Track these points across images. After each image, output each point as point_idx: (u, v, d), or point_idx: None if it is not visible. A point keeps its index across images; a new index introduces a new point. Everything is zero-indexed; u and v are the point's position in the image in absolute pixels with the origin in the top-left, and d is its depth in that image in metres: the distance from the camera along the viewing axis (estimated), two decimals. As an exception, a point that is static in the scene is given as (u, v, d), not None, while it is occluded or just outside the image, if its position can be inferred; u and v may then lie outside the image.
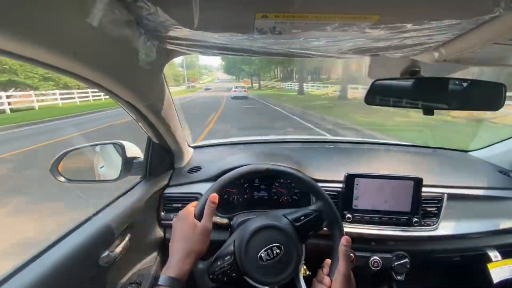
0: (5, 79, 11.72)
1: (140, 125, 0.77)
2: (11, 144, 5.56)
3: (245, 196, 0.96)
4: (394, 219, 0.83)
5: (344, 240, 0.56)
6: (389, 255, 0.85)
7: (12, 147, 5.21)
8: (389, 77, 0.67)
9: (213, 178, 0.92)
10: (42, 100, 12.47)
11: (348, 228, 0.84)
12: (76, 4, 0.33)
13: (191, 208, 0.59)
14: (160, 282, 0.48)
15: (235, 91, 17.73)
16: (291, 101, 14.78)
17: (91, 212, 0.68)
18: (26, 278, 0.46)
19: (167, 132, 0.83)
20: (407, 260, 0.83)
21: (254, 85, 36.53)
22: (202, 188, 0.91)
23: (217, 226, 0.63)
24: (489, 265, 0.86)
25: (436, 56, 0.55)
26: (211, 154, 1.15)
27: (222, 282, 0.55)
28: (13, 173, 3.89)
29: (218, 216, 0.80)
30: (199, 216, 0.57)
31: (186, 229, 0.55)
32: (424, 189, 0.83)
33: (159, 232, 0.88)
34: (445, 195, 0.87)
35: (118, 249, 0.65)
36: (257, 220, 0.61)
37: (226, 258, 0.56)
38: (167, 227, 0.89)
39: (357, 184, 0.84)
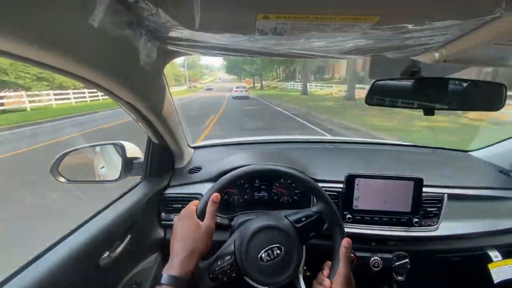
0: (-6, 79, 10.86)
1: (140, 125, 0.77)
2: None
3: (246, 197, 0.96)
4: (394, 219, 0.83)
5: (345, 241, 0.57)
6: (389, 255, 0.85)
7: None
8: (390, 77, 0.68)
9: (214, 179, 0.92)
10: (39, 101, 11.99)
11: (349, 228, 0.84)
12: (77, 5, 0.33)
13: (193, 207, 0.59)
14: (163, 281, 0.48)
15: (236, 91, 18.04)
16: (295, 101, 14.24)
17: (92, 213, 0.68)
18: (27, 279, 0.46)
19: (167, 132, 0.83)
20: (407, 260, 0.83)
21: (256, 85, 36.31)
22: (203, 188, 0.91)
23: (217, 226, 0.63)
24: (490, 265, 0.86)
25: (436, 56, 0.55)
26: (211, 155, 1.15)
27: (222, 282, 0.55)
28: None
29: (219, 216, 0.80)
30: (201, 216, 0.57)
31: (189, 229, 0.54)
32: (424, 189, 0.83)
33: (159, 233, 0.88)
34: (446, 195, 0.87)
35: (119, 250, 0.65)
36: (258, 221, 0.61)
37: (226, 258, 0.56)
38: (167, 228, 0.89)
39: (357, 185, 0.84)
